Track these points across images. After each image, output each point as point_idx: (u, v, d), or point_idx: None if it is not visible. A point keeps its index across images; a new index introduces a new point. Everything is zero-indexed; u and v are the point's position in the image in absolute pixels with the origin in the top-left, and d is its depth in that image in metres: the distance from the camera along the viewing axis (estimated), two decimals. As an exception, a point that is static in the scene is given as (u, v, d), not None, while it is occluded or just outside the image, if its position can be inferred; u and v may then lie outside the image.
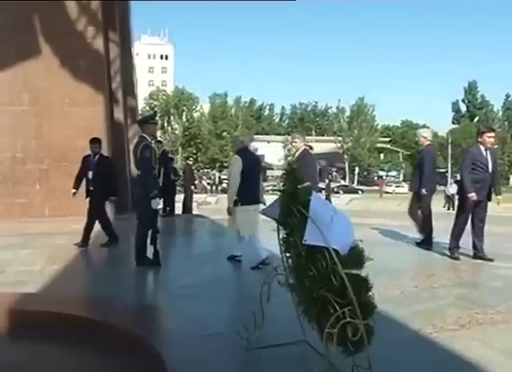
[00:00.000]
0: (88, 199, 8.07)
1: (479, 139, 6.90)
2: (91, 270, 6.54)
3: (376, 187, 55.71)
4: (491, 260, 6.70)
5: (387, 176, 73.70)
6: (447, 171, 57.29)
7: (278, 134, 79.26)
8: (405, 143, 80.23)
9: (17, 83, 12.72)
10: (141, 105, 54.76)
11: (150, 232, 6.42)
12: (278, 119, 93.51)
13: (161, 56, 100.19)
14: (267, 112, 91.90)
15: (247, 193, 6.45)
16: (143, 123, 6.76)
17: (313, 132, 71.02)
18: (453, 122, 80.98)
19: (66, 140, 12.85)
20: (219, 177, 65.43)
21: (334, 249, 2.76)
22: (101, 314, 4.28)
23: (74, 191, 8.12)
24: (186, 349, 3.32)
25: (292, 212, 2.98)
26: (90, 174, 8.02)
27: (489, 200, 6.87)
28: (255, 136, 67.50)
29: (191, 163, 15.93)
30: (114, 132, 13.93)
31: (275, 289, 3.41)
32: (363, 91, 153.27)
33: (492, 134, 6.90)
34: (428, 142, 8.05)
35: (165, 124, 66.03)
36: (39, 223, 11.09)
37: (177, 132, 66.21)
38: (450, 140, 61.92)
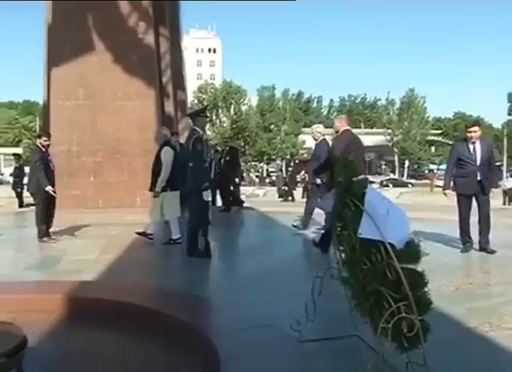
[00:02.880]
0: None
1: (465, 135, 7.23)
2: (143, 260, 6.67)
3: (427, 181, 54.40)
4: (493, 252, 6.77)
5: (438, 169, 71.70)
6: (502, 165, 55.34)
7: (326, 127, 78.44)
8: (457, 136, 77.83)
9: (73, 78, 13.12)
10: (190, 98, 55.40)
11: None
12: (326, 112, 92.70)
13: (209, 50, 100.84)
14: (315, 105, 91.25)
15: (174, 180, 7.41)
16: (195, 116, 6.86)
17: (362, 125, 70.05)
18: (509, 114, 77.89)
19: (118, 133, 13.19)
20: (267, 170, 65.54)
21: (390, 243, 2.72)
22: (154, 303, 4.37)
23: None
24: (238, 340, 3.35)
25: (347, 205, 2.96)
26: (52, 167, 8.10)
27: (485, 194, 6.93)
28: (303, 129, 67.51)
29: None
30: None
31: (327, 282, 3.40)
32: (414, 82, 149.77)
33: (474, 129, 7.03)
34: (322, 137, 8.77)
35: (213, 117, 66.54)
36: (93, 214, 11.43)
37: (225, 125, 66.65)
38: (505, 132, 59.77)
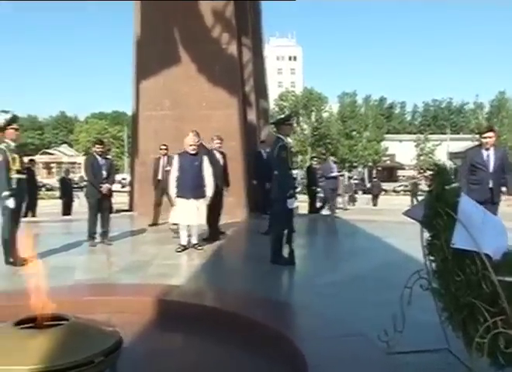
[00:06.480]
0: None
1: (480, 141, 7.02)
2: (228, 266, 6.81)
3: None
4: None
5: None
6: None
7: (409, 133, 76.55)
8: (553, 141, 73.35)
9: (159, 89, 13.61)
10: (271, 106, 55.89)
11: (286, 232, 6.54)
12: (409, 117, 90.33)
13: (290, 58, 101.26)
14: (398, 111, 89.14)
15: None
16: (280, 124, 6.90)
17: (448, 130, 67.53)
18: None
19: (202, 142, 13.51)
20: (349, 177, 64.67)
21: (486, 254, 2.61)
22: (239, 308, 4.41)
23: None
24: (325, 347, 3.32)
25: (439, 214, 2.86)
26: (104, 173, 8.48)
27: (493, 203, 6.66)
28: (386, 135, 65.97)
29: (314, 163, 15.94)
30: (247, 133, 14.35)
31: (416, 293, 3.31)
32: (504, 84, 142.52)
33: (488, 134, 6.88)
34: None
35: (294, 124, 66.63)
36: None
37: (306, 132, 66.54)
38: None
